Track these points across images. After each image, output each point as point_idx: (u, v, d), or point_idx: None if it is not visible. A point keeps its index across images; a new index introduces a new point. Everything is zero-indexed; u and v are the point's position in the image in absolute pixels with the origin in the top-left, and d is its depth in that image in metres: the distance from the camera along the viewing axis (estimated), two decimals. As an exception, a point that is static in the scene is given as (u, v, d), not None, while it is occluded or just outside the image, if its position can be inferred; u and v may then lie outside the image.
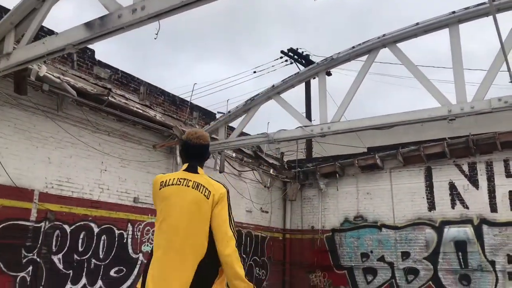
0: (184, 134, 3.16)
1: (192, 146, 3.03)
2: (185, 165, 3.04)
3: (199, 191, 2.86)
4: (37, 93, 7.80)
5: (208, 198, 2.83)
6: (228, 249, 2.75)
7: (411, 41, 8.00)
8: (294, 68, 20.01)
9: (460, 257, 11.96)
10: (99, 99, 8.55)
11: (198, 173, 2.99)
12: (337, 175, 14.20)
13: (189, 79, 59.46)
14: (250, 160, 13.01)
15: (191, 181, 2.91)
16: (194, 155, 3.05)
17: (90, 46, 8.23)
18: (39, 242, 7.62)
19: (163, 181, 2.94)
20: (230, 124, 11.14)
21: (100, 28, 5.14)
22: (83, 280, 8.18)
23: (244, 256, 12.87)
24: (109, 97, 8.57)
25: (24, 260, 7.37)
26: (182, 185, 2.89)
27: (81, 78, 8.60)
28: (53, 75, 7.61)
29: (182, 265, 2.72)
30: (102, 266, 8.62)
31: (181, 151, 3.14)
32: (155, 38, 4.57)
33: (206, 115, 12.21)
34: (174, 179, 2.93)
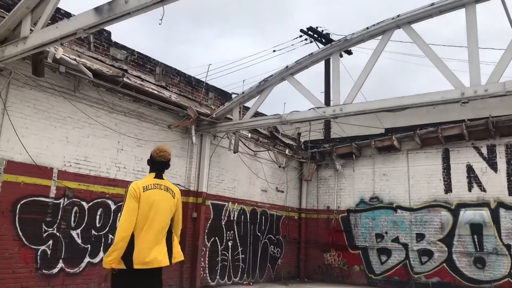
0: (153, 150, 4.09)
1: (156, 162, 4.02)
2: (153, 174, 3.99)
3: (169, 192, 3.97)
4: (54, 74, 8.05)
5: (174, 198, 4.00)
6: (179, 234, 4.17)
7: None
8: (315, 47, 19.81)
9: (476, 240, 11.89)
10: (115, 80, 8.74)
11: (163, 178, 4.02)
12: (354, 156, 14.20)
13: (214, 55, 59.17)
14: (266, 141, 13.10)
15: (162, 185, 3.94)
16: (158, 168, 4.02)
17: (106, 27, 8.40)
18: (59, 218, 8.00)
19: (144, 186, 3.83)
20: (246, 104, 11.24)
21: (108, 13, 5.28)
22: (101, 254, 8.55)
23: (259, 234, 13.12)
24: (124, 79, 8.75)
25: (44, 235, 7.77)
26: (158, 188, 3.89)
27: (97, 59, 8.80)
28: (69, 57, 7.81)
29: (161, 241, 3.87)
30: (119, 241, 8.96)
31: (148, 160, 4.09)
32: (159, 24, 4.68)
33: (222, 96, 12.30)
34: (151, 184, 3.88)
